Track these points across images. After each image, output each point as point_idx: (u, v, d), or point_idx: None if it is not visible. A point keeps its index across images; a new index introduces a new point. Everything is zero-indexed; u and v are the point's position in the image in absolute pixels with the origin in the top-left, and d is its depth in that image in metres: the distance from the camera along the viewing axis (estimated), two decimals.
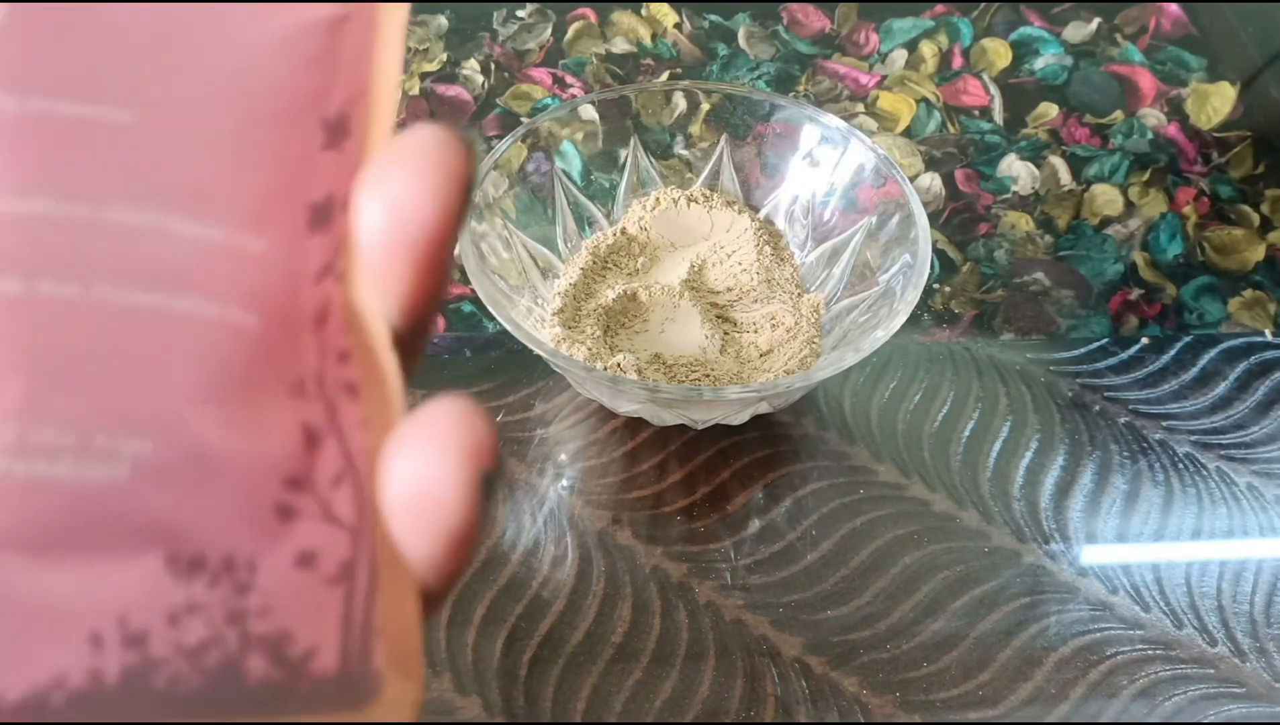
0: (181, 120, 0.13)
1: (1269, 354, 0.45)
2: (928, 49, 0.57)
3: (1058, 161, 0.52)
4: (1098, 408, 0.43)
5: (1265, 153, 0.53)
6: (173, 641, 0.11)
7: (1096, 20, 0.59)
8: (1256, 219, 0.50)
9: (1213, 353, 0.45)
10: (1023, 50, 0.57)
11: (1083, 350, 0.45)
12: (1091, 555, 0.39)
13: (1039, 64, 0.57)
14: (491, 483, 0.12)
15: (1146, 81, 0.56)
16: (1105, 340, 0.45)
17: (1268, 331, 0.46)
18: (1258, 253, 0.49)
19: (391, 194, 0.12)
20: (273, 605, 0.12)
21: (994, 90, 0.55)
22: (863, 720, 0.35)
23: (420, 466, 0.12)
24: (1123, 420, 0.43)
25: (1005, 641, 0.37)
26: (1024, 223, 0.50)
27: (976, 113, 0.54)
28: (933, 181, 0.51)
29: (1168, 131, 0.54)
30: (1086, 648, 0.36)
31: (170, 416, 0.12)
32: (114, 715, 0.11)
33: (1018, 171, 0.51)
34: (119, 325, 0.12)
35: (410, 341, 0.13)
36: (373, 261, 0.13)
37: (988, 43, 0.57)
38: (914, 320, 0.46)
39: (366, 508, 0.13)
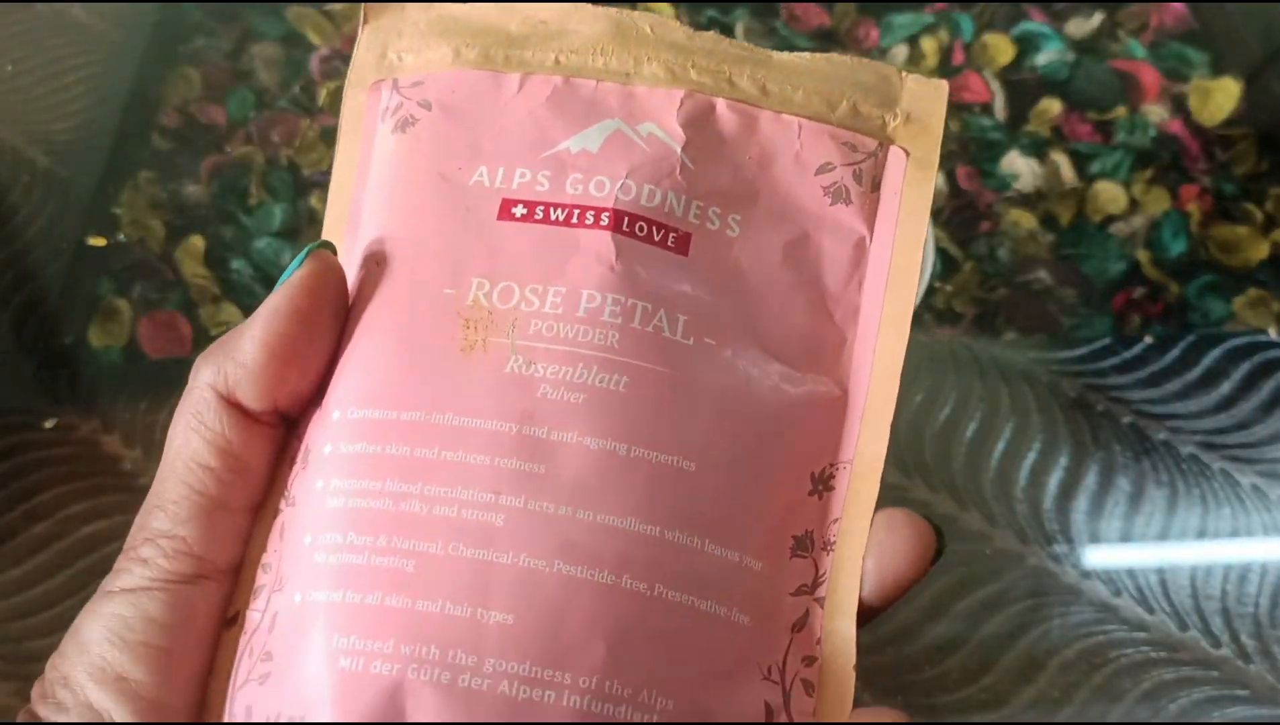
0: (722, 470, 0.17)
1: (1273, 353, 0.45)
2: (928, 44, 0.56)
3: (1060, 158, 0.52)
4: (1101, 408, 0.43)
5: (1269, 150, 0.53)
6: None
7: (1099, 15, 0.58)
8: (1260, 217, 0.50)
9: (1216, 352, 0.45)
10: (1025, 46, 0.57)
11: (1086, 350, 0.45)
12: (1095, 557, 0.39)
13: (1041, 60, 0.56)
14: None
15: (1149, 77, 0.56)
16: (1108, 339, 0.45)
17: (1271, 330, 0.46)
18: (1261, 251, 0.49)
19: (883, 558, 0.18)
20: None
21: (996, 86, 0.55)
22: None
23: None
24: (1126, 420, 0.43)
25: (1008, 644, 0.36)
26: (1026, 220, 0.49)
27: (978, 109, 0.54)
28: (936, 179, 0.50)
29: (1171, 128, 0.53)
30: (1090, 650, 0.36)
31: (691, 684, 0.16)
32: None
33: (1020, 168, 0.51)
34: (667, 615, 0.17)
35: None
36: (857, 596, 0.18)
37: (989, 38, 0.57)
38: (915, 319, 0.45)
39: None
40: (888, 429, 0.19)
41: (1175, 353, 0.45)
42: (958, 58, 0.56)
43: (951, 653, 0.36)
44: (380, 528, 0.17)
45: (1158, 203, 0.50)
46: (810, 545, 0.18)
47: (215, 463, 0.18)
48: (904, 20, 0.58)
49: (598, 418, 0.17)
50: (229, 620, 0.18)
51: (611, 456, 0.17)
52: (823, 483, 0.18)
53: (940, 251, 0.48)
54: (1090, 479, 0.41)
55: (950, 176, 0.51)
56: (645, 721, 0.16)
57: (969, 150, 0.52)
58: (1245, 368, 0.44)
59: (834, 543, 0.18)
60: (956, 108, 0.54)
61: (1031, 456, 0.41)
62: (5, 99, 0.52)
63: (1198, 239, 0.49)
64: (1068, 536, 0.39)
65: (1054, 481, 0.41)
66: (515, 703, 0.16)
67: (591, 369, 0.17)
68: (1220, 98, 0.55)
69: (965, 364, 0.44)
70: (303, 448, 0.19)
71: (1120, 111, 0.54)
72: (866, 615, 0.18)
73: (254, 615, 0.18)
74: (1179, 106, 0.54)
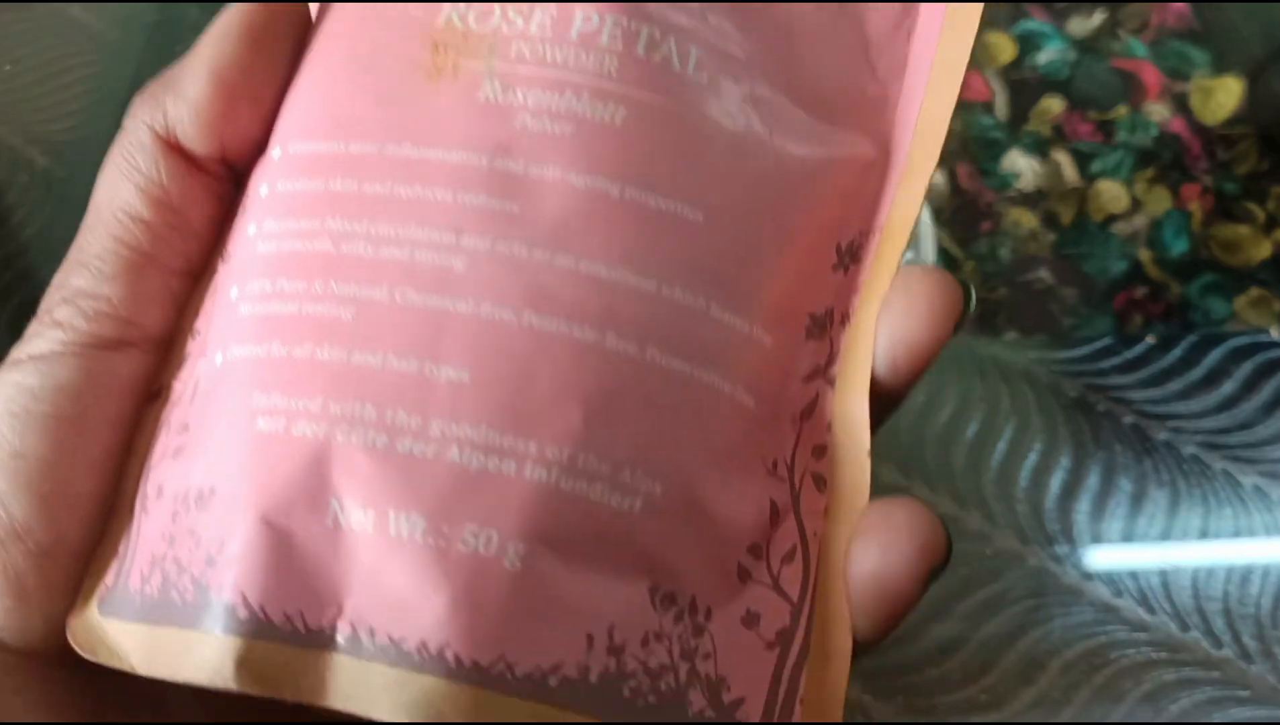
0: (735, 226, 0.15)
1: (1275, 353, 0.45)
2: None
3: (1061, 157, 0.52)
4: (1102, 408, 0.43)
5: (1271, 149, 0.53)
6: (642, 660, 0.13)
7: (1100, 14, 0.58)
8: (1262, 216, 0.50)
9: (1218, 352, 0.45)
10: (1026, 44, 0.57)
11: (1087, 349, 0.45)
12: (1096, 558, 0.39)
13: (1042, 58, 0.56)
14: (938, 574, 0.14)
15: (1151, 76, 0.56)
16: (1109, 339, 0.45)
17: (1273, 330, 0.46)
18: (1264, 250, 0.49)
19: (895, 322, 0.15)
20: (718, 652, 0.14)
21: (996, 85, 0.55)
22: (865, 723, 0.35)
23: (883, 559, 0.14)
24: (1127, 421, 0.43)
25: (1009, 645, 0.36)
26: (1027, 220, 0.49)
27: (979, 108, 0.53)
28: (934, 177, 0.50)
29: (1172, 127, 0.53)
30: (1091, 651, 0.36)
31: (682, 468, 0.14)
32: (586, 709, 0.13)
33: (1021, 167, 0.51)
34: (659, 383, 0.14)
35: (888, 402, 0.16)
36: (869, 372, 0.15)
37: (990, 36, 0.57)
38: None
39: (811, 587, 0.14)
40: (924, 188, 0.16)
41: (1177, 352, 0.45)
42: None
43: (952, 653, 0.36)
44: (316, 272, 0.14)
45: (1159, 202, 0.50)
46: (829, 323, 0.15)
47: (149, 214, 0.15)
48: None
49: (587, 152, 0.14)
50: (153, 395, 0.15)
51: (601, 197, 0.14)
52: (850, 256, 0.16)
53: (941, 251, 0.48)
54: (1091, 479, 0.41)
55: (950, 175, 0.51)
56: (624, 507, 0.14)
57: (969, 149, 0.52)
58: (1247, 368, 0.44)
59: (852, 315, 0.15)
60: (957, 106, 0.54)
61: (1032, 457, 0.41)
62: (3, 98, 0.52)
63: (1199, 238, 0.49)
64: (1069, 537, 0.39)
65: (1055, 482, 0.41)
66: (466, 473, 0.13)
67: (582, 97, 0.14)
68: (1222, 96, 0.55)
69: (966, 364, 0.44)
70: (243, 197, 0.16)
71: (1121, 110, 0.54)
72: (879, 400, 0.15)
73: (177, 387, 0.15)
74: (1180, 105, 0.54)
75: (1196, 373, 0.44)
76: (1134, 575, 0.38)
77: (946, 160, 0.51)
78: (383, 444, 0.13)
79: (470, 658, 0.13)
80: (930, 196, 0.50)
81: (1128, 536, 0.39)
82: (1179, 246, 0.49)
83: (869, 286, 0.16)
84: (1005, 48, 0.56)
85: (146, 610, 0.14)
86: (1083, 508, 0.40)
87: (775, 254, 0.15)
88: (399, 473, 0.13)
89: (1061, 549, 0.39)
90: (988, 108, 0.54)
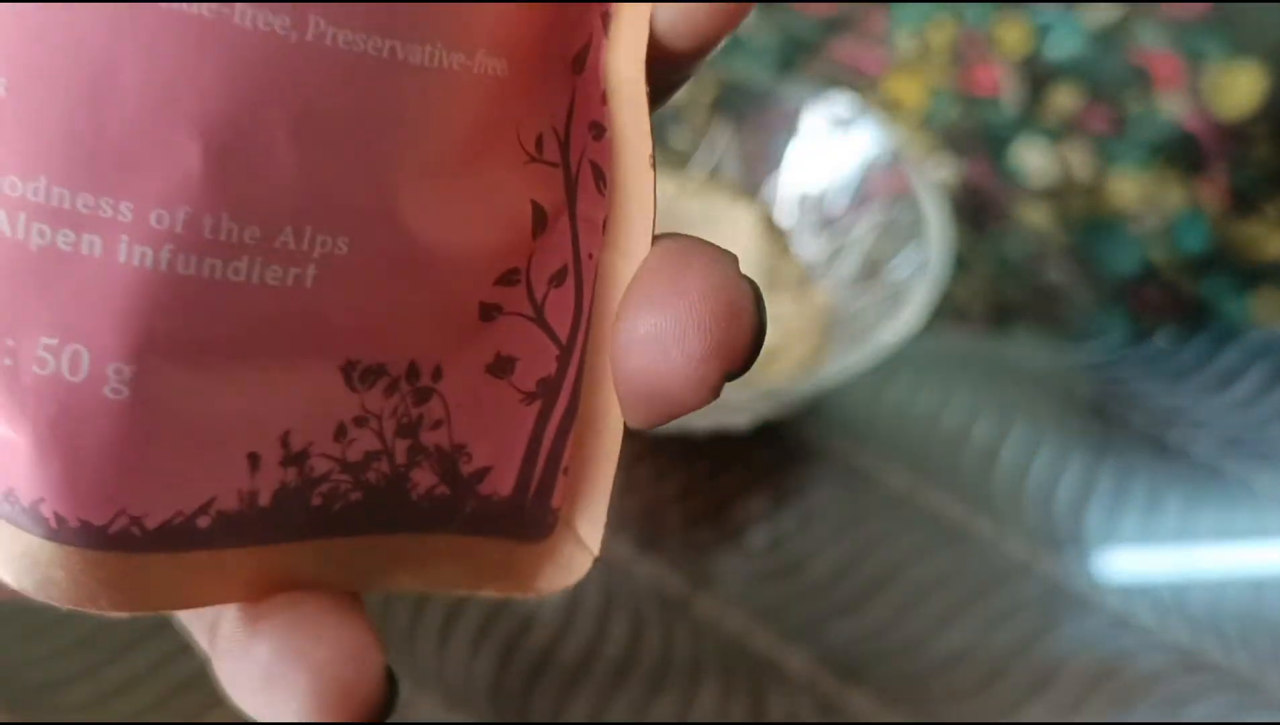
0: None
1: None
2: (940, 32, 0.56)
3: (1074, 152, 0.52)
4: (1115, 410, 0.42)
5: None
6: (336, 456, 0.10)
7: (1116, 5, 0.58)
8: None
9: (1235, 351, 0.44)
10: (1038, 36, 0.57)
11: (1100, 349, 0.44)
12: (1109, 564, 0.38)
13: (1055, 50, 0.56)
14: (734, 377, 0.10)
15: (1167, 68, 0.55)
16: (1123, 338, 0.45)
17: None
18: None
19: None
20: (451, 415, 0.10)
21: (1009, 76, 0.54)
22: None
23: (664, 353, 0.10)
24: (1140, 423, 0.42)
25: (1021, 654, 0.36)
26: (1039, 215, 0.49)
27: (991, 99, 0.53)
28: (945, 171, 0.50)
29: (1189, 120, 0.53)
30: (1104, 660, 0.36)
31: (379, 202, 0.10)
32: (261, 535, 0.10)
33: (1033, 161, 0.51)
34: (332, 78, 0.09)
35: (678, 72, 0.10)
36: None
37: (1003, 26, 0.57)
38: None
39: (584, 326, 0.10)
40: None
41: (1192, 352, 0.44)
42: (970, 47, 0.56)
43: (962, 663, 0.36)
44: None
45: (1174, 198, 0.50)
46: None
47: None
48: (915, 6, 0.57)
49: None
50: None
51: None
52: None
53: (951, 248, 0.48)
54: (1104, 483, 0.40)
55: (961, 169, 0.50)
56: (287, 283, 0.09)
57: (981, 142, 0.51)
58: (1265, 367, 0.44)
59: None
60: (969, 98, 0.54)
61: (1043, 460, 0.41)
62: None
63: (1216, 235, 0.49)
64: (1081, 543, 0.39)
65: (1067, 486, 0.40)
66: (27, 255, 0.09)
67: None
68: (1239, 90, 0.55)
69: (975, 364, 0.44)
70: None
71: (1137, 103, 0.54)
72: (654, 70, 0.10)
73: None
74: (1197, 98, 0.54)
75: (1212, 372, 0.44)
76: (1147, 582, 0.38)
77: (956, 153, 0.51)
78: None
79: (76, 517, 0.09)
80: (939, 190, 0.49)
81: (1141, 542, 0.39)
82: (1195, 243, 0.49)
83: None
84: (1018, 37, 0.56)
85: None
86: (1095, 512, 0.40)
87: None
88: None
89: (1073, 555, 0.38)
90: (999, 99, 0.54)
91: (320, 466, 0.10)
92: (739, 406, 0.36)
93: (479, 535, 0.11)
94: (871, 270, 0.41)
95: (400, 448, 0.10)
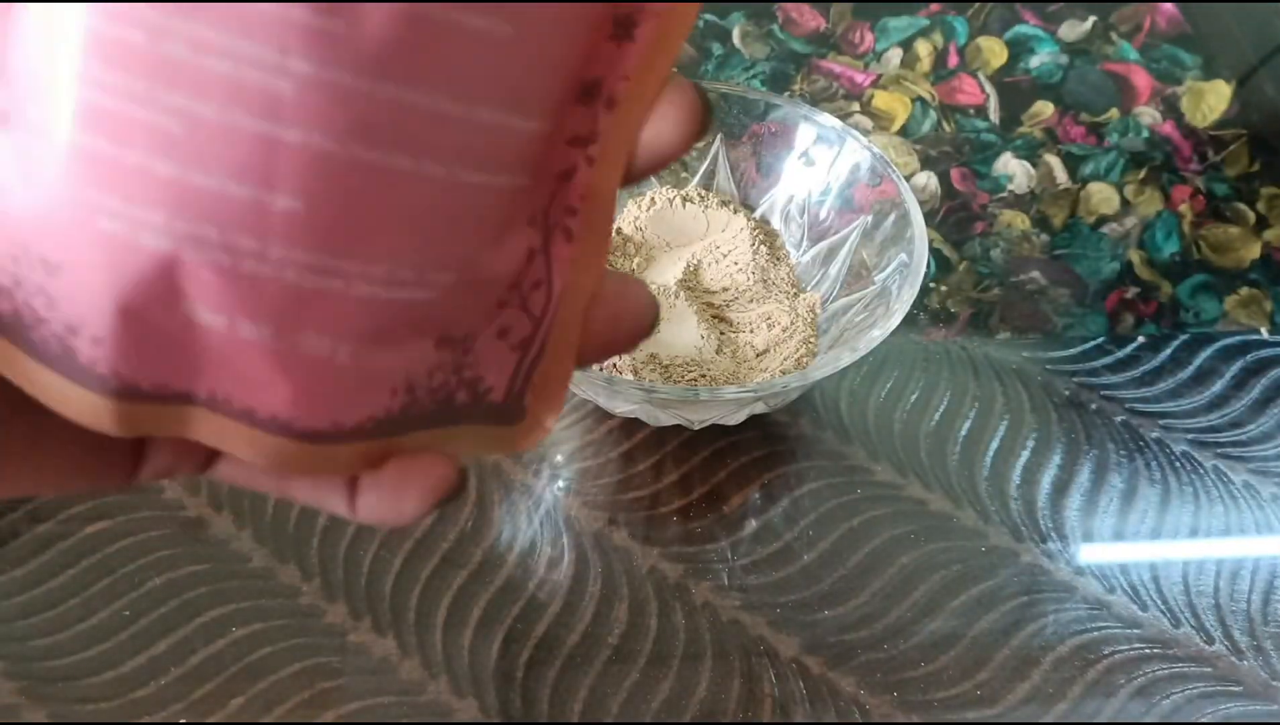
0: (539, 34, 0.15)
1: (1265, 352, 0.45)
2: (923, 48, 0.57)
3: (1053, 160, 0.52)
4: (1094, 406, 0.43)
5: (1260, 150, 0.53)
6: (427, 387, 0.17)
7: (1092, 18, 0.59)
8: (1252, 217, 0.50)
9: (1209, 351, 0.45)
10: (1018, 49, 0.57)
11: (1079, 349, 0.45)
12: (1089, 554, 0.39)
13: (1034, 62, 0.56)
14: (645, 334, 0.18)
15: (1142, 79, 0.56)
16: (1101, 339, 0.45)
17: (1263, 329, 0.46)
18: (1253, 250, 0.49)
19: (654, 132, 0.17)
20: (479, 361, 0.17)
21: (989, 89, 0.55)
22: (860, 720, 0.35)
23: (612, 326, 0.18)
24: (1119, 419, 0.43)
25: (1003, 641, 0.36)
26: (1020, 221, 0.49)
27: (972, 111, 0.54)
28: (928, 180, 0.51)
29: (1163, 130, 0.54)
30: (1084, 646, 0.36)
31: (470, 255, 0.16)
32: (388, 432, 0.17)
33: (1013, 170, 0.51)
34: (463, 199, 0.16)
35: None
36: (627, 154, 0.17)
37: (983, 41, 0.57)
38: (910, 319, 0.45)
39: (550, 309, 0.17)
40: None
41: (1168, 352, 0.45)
42: (952, 60, 0.56)
43: (946, 649, 0.36)
44: (134, 66, 0.14)
45: (1150, 203, 0.50)
46: (596, 95, 0.16)
47: None
48: (899, 24, 0.58)
49: None
50: None
51: (423, 16, 0.14)
52: (623, 28, 0.16)
53: (934, 252, 0.48)
54: (1084, 477, 0.41)
55: (944, 178, 0.51)
56: (425, 298, 0.16)
57: (963, 152, 0.52)
58: (1237, 366, 0.45)
59: (619, 102, 0.16)
60: (951, 110, 0.54)
61: (1025, 455, 0.41)
62: None
63: (1190, 239, 0.49)
64: (1061, 534, 0.39)
65: (1048, 479, 0.41)
66: (302, 290, 0.15)
67: None
68: (1212, 99, 0.55)
69: (959, 363, 0.44)
70: None
71: (1113, 113, 0.54)
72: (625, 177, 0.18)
73: None
74: (1171, 108, 0.55)
75: (1187, 371, 0.44)
76: (1126, 571, 0.38)
77: (940, 163, 0.51)
78: (227, 264, 0.15)
79: (310, 428, 0.16)
80: (924, 197, 0.50)
81: (1120, 533, 0.39)
82: (1170, 247, 0.49)
83: (638, 78, 0.16)
84: (998, 52, 0.57)
85: None
86: (1075, 505, 0.40)
87: (564, 46, 0.15)
88: (245, 289, 0.15)
89: (1054, 546, 0.39)
90: (980, 111, 0.54)
91: (419, 394, 0.17)
92: (734, 403, 0.37)
93: (484, 424, 0.18)
94: (859, 273, 0.41)
95: (454, 379, 0.17)
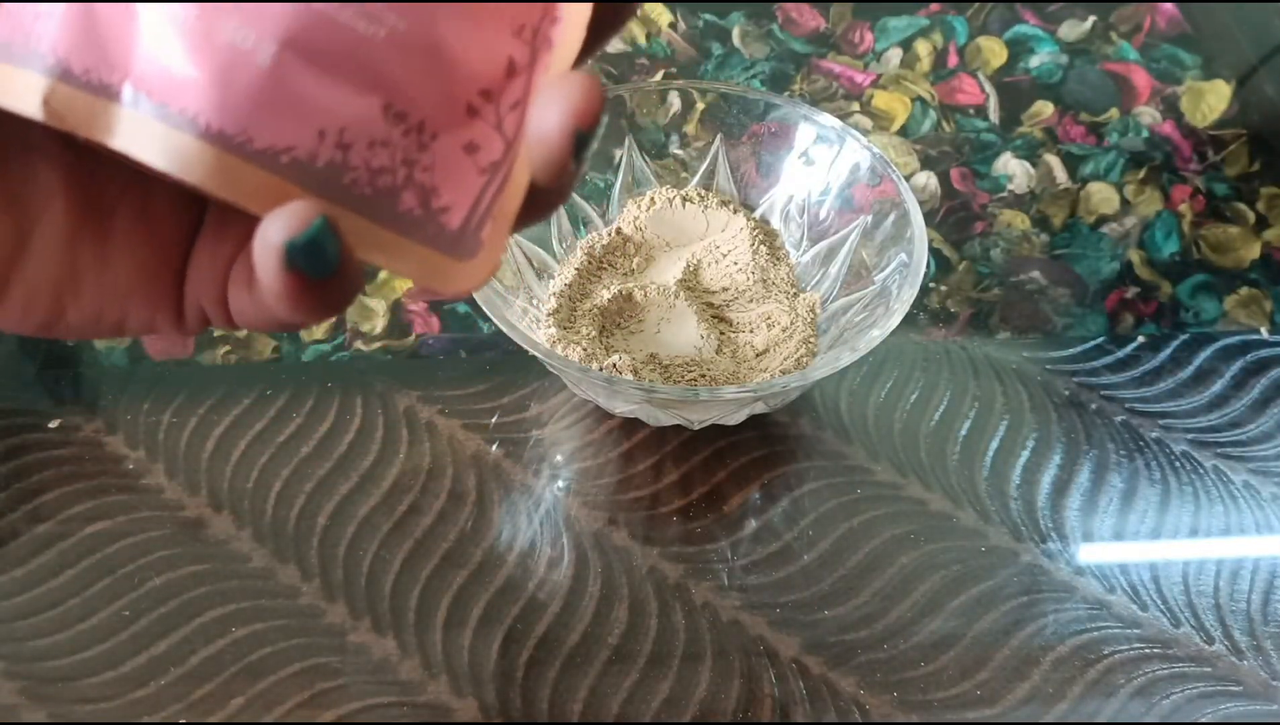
0: None
1: (1265, 352, 0.45)
2: (923, 47, 0.57)
3: (1053, 160, 0.52)
4: (1094, 406, 0.43)
5: (1260, 150, 0.53)
6: (365, 159, 0.16)
7: (1091, 18, 0.59)
8: (1252, 217, 0.50)
9: (1209, 351, 0.45)
10: (1018, 48, 0.57)
11: (1079, 349, 0.45)
12: (1088, 554, 0.39)
13: (1034, 62, 0.57)
14: (583, 141, 0.16)
15: (1142, 79, 0.56)
16: (1101, 339, 0.45)
17: (1263, 329, 0.46)
18: (1253, 250, 0.49)
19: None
20: (436, 166, 0.17)
21: (989, 88, 0.55)
22: (860, 720, 0.35)
23: (546, 112, 0.16)
24: (1119, 419, 0.43)
25: (1003, 641, 0.36)
26: (1020, 221, 0.49)
27: (972, 111, 0.54)
28: (928, 180, 0.51)
29: (1163, 130, 0.54)
30: (1084, 647, 0.36)
31: (430, 10, 0.16)
32: (308, 186, 0.16)
33: (1013, 170, 0.51)
34: None
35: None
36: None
37: (983, 41, 0.57)
38: (910, 319, 0.45)
39: (520, 136, 0.17)
40: None
41: (1168, 352, 0.45)
42: (952, 60, 0.56)
43: (946, 649, 0.36)
44: None
45: (1150, 203, 0.51)
46: None
47: None
48: (899, 23, 0.58)
49: None
50: None
51: None
52: None
53: (934, 252, 0.48)
54: (1084, 477, 0.41)
55: (944, 178, 0.51)
56: (369, 33, 0.16)
57: (963, 152, 0.52)
58: (1237, 366, 0.45)
59: None
60: (950, 109, 0.54)
61: (1025, 455, 0.42)
62: None
63: (1190, 239, 0.49)
64: (1061, 534, 0.39)
65: (1048, 479, 0.41)
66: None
67: None
68: (1212, 99, 0.55)
69: (959, 363, 0.44)
70: None
71: (1113, 113, 0.54)
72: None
73: None
74: (1171, 108, 0.55)
75: (1187, 371, 0.44)
76: (1126, 571, 0.38)
77: (940, 163, 0.51)
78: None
79: (218, 126, 0.16)
80: (923, 197, 0.50)
81: (1119, 533, 0.40)
82: (1170, 247, 0.49)
83: None
84: (998, 52, 0.57)
85: None
86: (1075, 504, 0.40)
87: None
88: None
89: (1054, 545, 0.39)
90: (980, 111, 0.54)
91: (354, 160, 0.16)
92: (734, 403, 0.37)
93: (433, 249, 0.17)
94: (859, 273, 0.41)
95: (401, 173, 0.17)
